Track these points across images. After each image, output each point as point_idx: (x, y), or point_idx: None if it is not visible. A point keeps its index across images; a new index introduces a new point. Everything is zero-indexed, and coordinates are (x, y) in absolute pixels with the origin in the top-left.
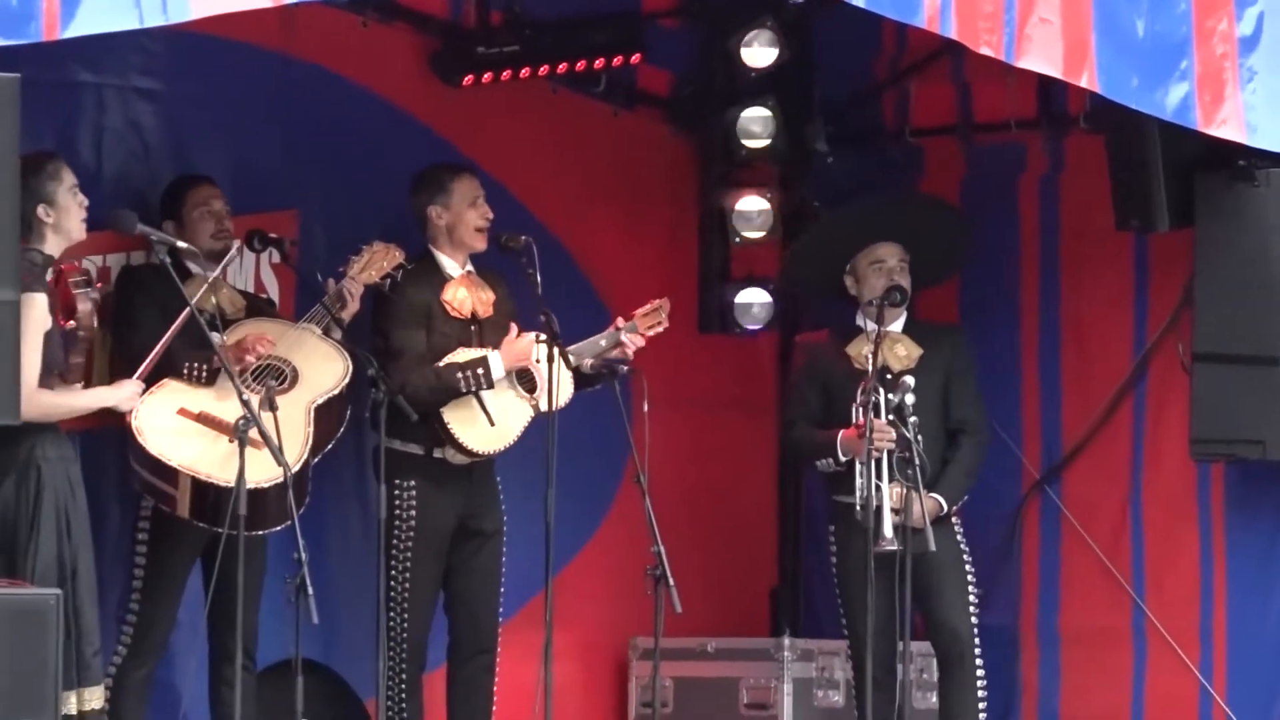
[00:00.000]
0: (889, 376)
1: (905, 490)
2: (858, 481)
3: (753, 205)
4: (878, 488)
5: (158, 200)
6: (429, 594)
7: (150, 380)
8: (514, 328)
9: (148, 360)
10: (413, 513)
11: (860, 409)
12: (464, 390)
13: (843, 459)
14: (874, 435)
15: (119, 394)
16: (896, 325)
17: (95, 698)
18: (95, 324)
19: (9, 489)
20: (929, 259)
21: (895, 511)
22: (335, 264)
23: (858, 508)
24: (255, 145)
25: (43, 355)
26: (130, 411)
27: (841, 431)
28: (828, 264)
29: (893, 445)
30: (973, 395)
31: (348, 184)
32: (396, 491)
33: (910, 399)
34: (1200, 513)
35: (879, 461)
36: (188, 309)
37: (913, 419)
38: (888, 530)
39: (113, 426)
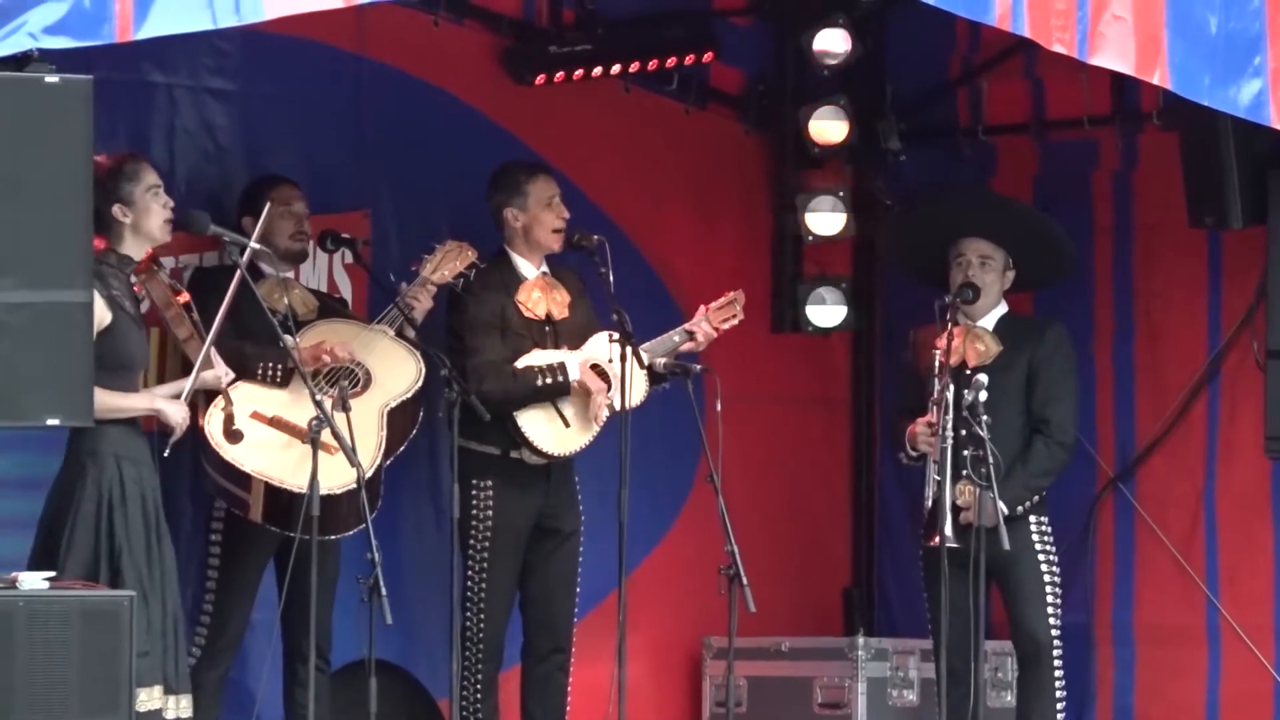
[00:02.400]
0: (966, 372)
1: (976, 489)
2: (930, 478)
3: (825, 204)
4: (938, 483)
5: (230, 201)
6: (506, 593)
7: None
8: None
9: (190, 381)
10: (490, 512)
11: (933, 404)
12: (539, 389)
13: (912, 453)
14: (925, 433)
15: (169, 407)
16: (988, 319)
17: (140, 700)
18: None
19: (59, 485)
20: (1029, 262)
21: (964, 509)
22: (408, 264)
23: (925, 505)
24: (327, 145)
25: (119, 353)
26: (183, 424)
27: (910, 425)
28: (926, 251)
29: (931, 444)
30: (1057, 395)
31: (420, 184)
32: (474, 491)
33: (983, 396)
34: (1274, 510)
35: (945, 457)
36: (221, 314)
37: (985, 418)
38: (947, 528)
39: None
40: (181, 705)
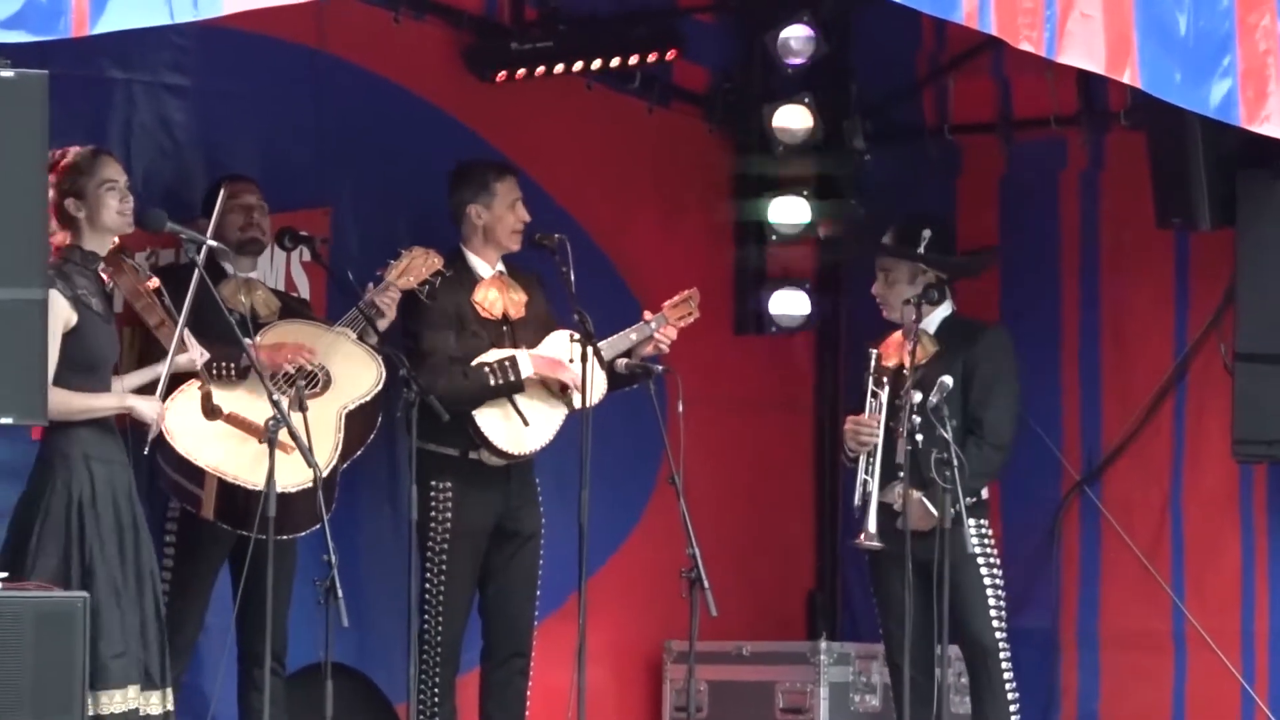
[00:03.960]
0: (904, 372)
1: (906, 490)
2: (859, 478)
3: (789, 204)
4: (864, 483)
5: (190, 197)
6: (464, 596)
7: (178, 379)
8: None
9: (165, 367)
10: (449, 514)
11: (870, 403)
12: (493, 386)
13: (849, 453)
14: (853, 430)
15: (141, 403)
16: (930, 321)
17: (114, 701)
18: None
19: (30, 488)
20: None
21: (897, 512)
22: (367, 262)
23: (855, 503)
24: (286, 143)
25: (87, 352)
26: (159, 418)
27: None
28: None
29: (861, 444)
30: (993, 398)
31: (380, 181)
32: (432, 493)
33: (935, 399)
34: (1242, 514)
35: (872, 457)
36: (187, 304)
37: (951, 420)
38: (870, 526)
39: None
40: (167, 700)
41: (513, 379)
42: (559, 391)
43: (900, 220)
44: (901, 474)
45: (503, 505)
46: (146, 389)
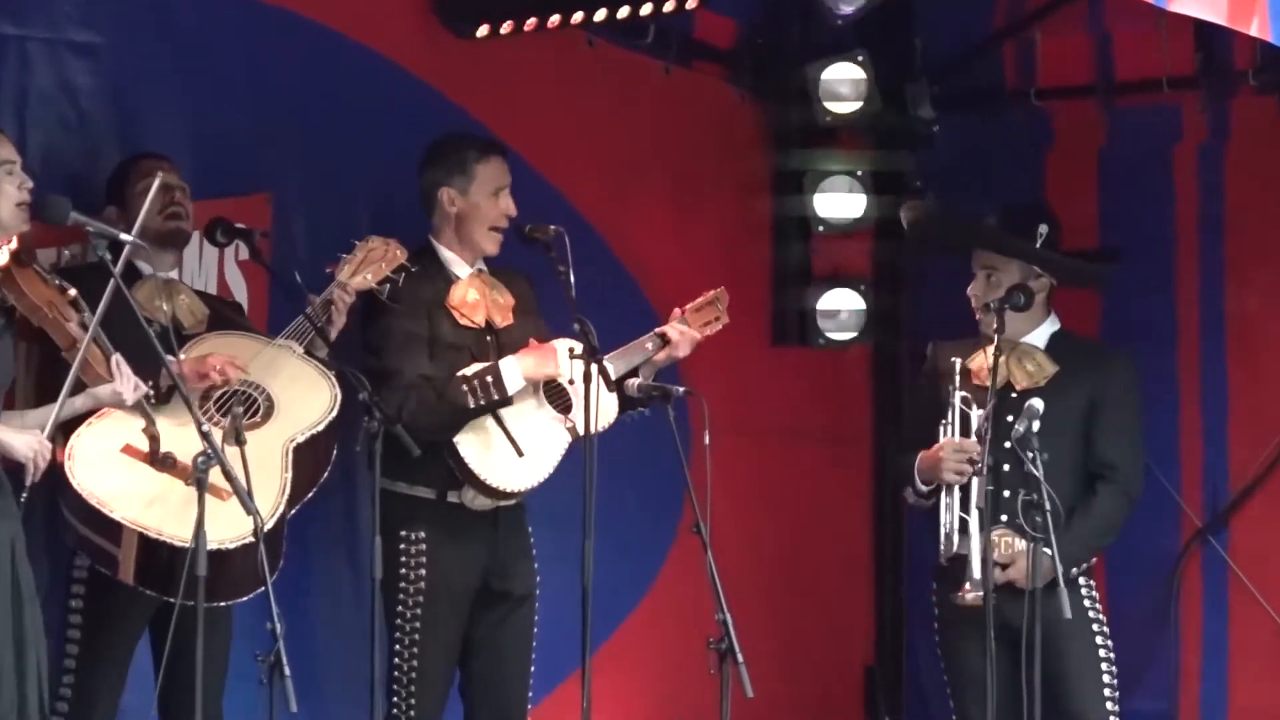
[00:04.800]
0: (1013, 395)
1: (1013, 540)
2: (942, 518)
3: (839, 185)
4: (963, 525)
5: (98, 181)
6: (442, 673)
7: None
8: (532, 342)
9: (53, 412)
10: (423, 571)
11: (947, 427)
12: (473, 406)
13: (922, 488)
14: (955, 458)
15: (15, 439)
16: (1037, 336)
17: None
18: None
19: None
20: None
21: (1005, 565)
22: (317, 260)
23: (942, 555)
24: (219, 114)
25: None
26: (35, 459)
27: (921, 453)
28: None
29: (961, 474)
30: (1126, 435)
31: (333, 161)
32: (402, 545)
33: (1036, 426)
34: None
35: (966, 491)
36: (95, 321)
37: (1041, 454)
38: (975, 572)
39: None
40: None
41: (496, 395)
42: (558, 410)
43: (1007, 210)
44: (1005, 518)
45: (489, 559)
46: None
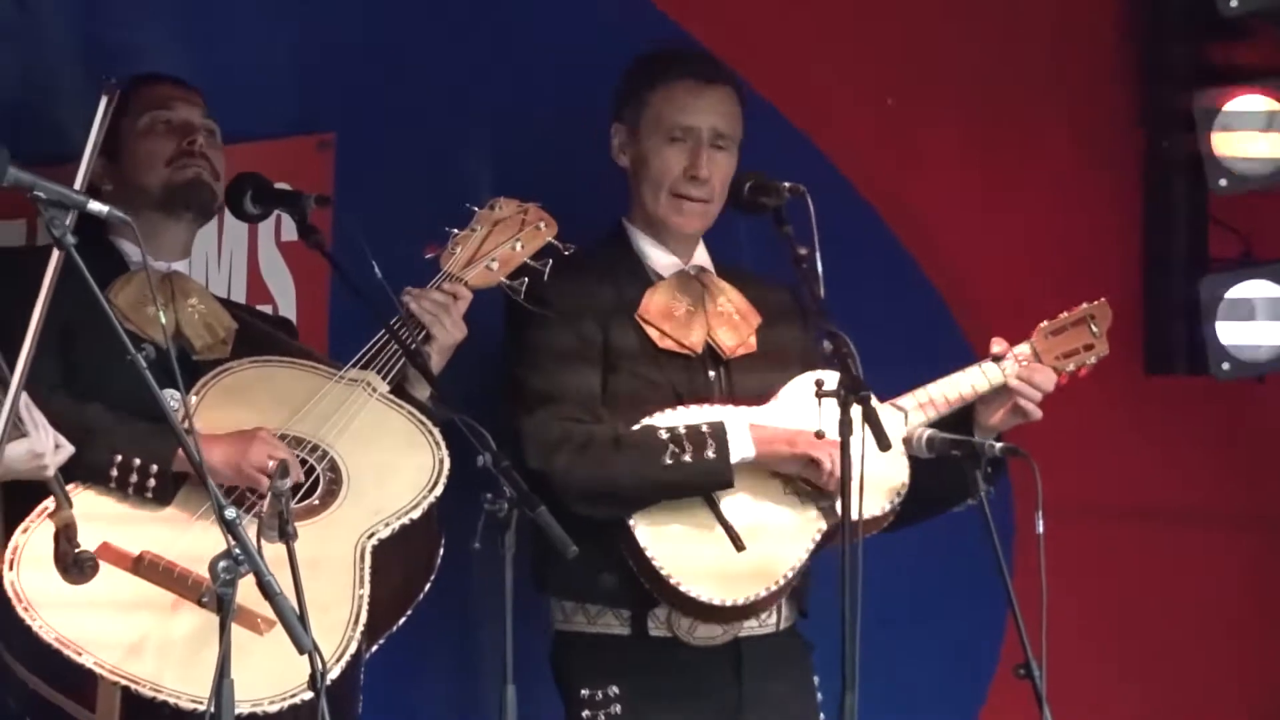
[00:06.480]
0: None
1: None
2: None
3: (1251, 117)
4: None
5: (57, 118)
6: None
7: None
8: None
9: None
10: None
11: None
12: (676, 480)
13: None
14: None
15: None
16: None
17: None
18: None
19: None
20: None
21: None
22: (406, 238)
23: None
24: (237, 15)
25: None
26: None
27: None
28: None
29: None
30: None
31: (434, 83)
32: (585, 713)
33: None
34: None
35: None
36: (31, 338)
37: None
38: None
39: None
40: None
41: (714, 468)
42: (808, 490)
43: None
44: None
45: None
46: None
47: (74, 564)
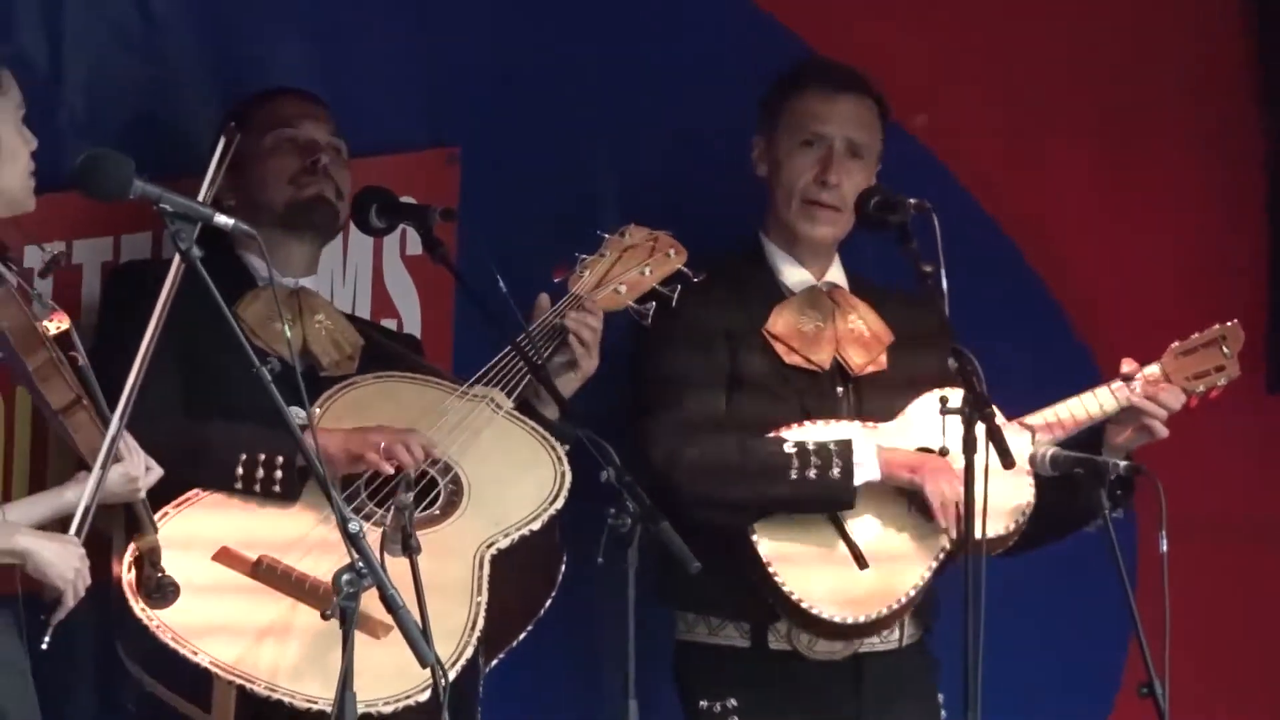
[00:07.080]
0: None
1: None
2: None
3: None
4: None
5: (177, 135)
6: None
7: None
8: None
9: (87, 490)
10: None
11: None
12: (791, 493)
13: None
14: None
15: (45, 548)
16: None
17: None
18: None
19: None
20: None
21: None
22: (539, 261)
23: None
24: (366, 29)
25: None
26: (76, 581)
27: None
28: None
29: None
30: None
31: (560, 97)
32: None
33: None
34: None
35: None
36: (142, 356)
37: None
38: None
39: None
40: None
41: (841, 489)
42: (921, 511)
43: None
44: None
45: None
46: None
47: (156, 589)
